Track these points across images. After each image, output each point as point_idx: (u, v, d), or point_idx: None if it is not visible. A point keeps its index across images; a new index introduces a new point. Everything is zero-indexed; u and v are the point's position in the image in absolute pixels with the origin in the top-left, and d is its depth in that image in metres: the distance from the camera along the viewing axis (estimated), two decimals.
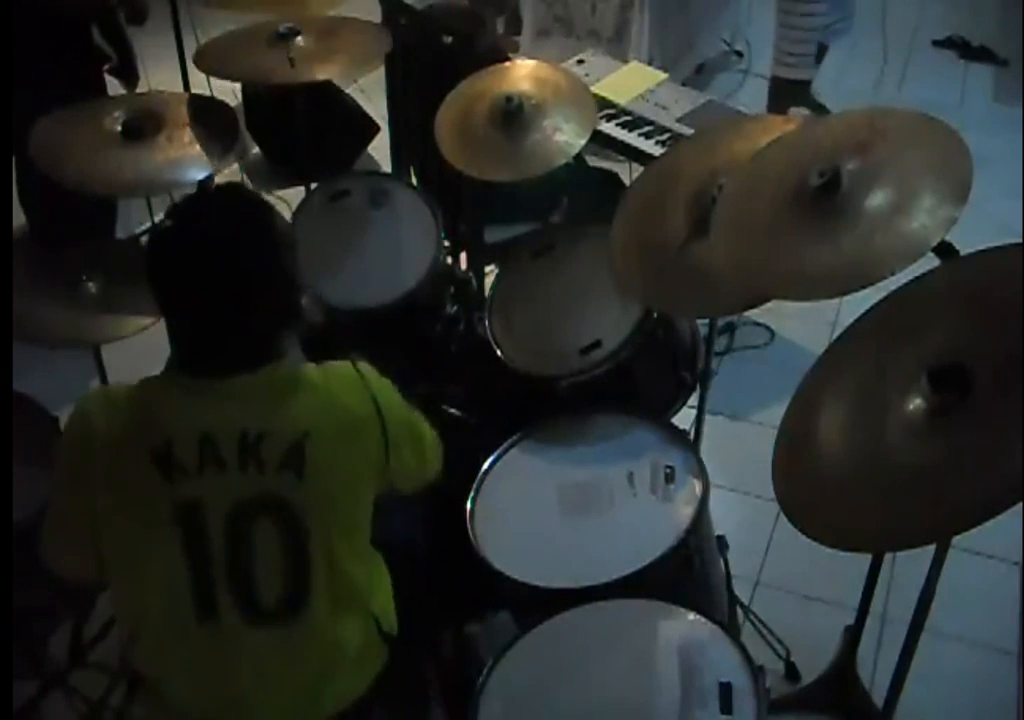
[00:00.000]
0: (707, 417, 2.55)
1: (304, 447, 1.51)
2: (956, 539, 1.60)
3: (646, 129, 2.99)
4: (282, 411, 1.53)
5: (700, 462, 2.10)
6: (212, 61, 2.73)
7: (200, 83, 2.84)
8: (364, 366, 1.65)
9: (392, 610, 1.76)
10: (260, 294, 1.53)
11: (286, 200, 3.82)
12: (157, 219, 1.73)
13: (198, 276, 1.50)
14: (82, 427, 1.54)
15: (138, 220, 3.58)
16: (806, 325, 3.42)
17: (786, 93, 4.17)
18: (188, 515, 1.51)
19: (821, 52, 4.23)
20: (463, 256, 3.24)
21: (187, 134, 2.62)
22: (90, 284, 2.38)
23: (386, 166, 3.93)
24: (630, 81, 3.15)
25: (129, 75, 3.27)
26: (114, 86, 3.29)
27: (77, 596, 2.33)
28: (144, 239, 2.72)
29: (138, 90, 3.28)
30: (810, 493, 1.63)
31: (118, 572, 1.59)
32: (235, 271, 1.50)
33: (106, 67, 3.21)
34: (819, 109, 4.23)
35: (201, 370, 1.54)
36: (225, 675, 1.59)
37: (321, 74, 2.66)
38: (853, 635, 2.37)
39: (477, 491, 2.14)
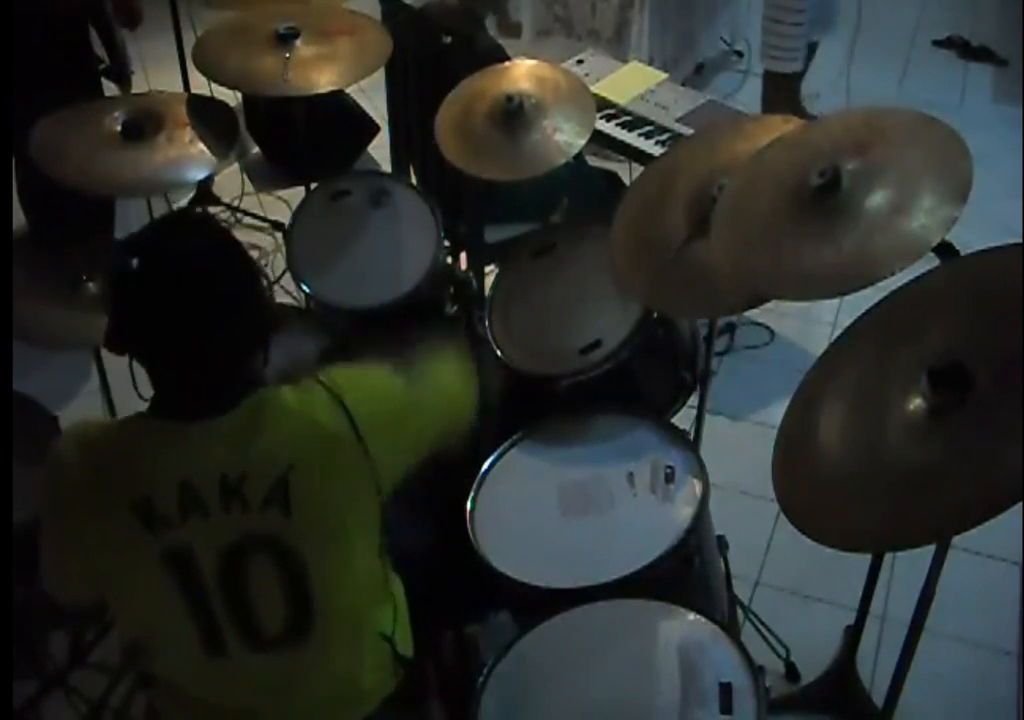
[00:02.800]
0: (707, 417, 2.55)
1: (288, 481, 1.46)
2: (956, 539, 1.61)
3: (646, 129, 2.98)
4: (260, 447, 1.47)
5: (700, 462, 2.10)
6: (210, 63, 2.72)
7: (200, 83, 2.84)
8: (334, 376, 1.55)
9: (408, 634, 1.75)
10: (235, 323, 1.47)
11: (286, 200, 3.83)
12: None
13: (173, 312, 1.42)
14: (57, 469, 1.50)
15: (137, 220, 3.58)
16: (806, 325, 3.42)
17: (777, 86, 4.18)
18: (178, 562, 1.48)
19: (811, 49, 4.24)
20: (463, 256, 3.25)
21: (187, 134, 2.62)
22: (90, 284, 2.38)
23: (386, 166, 3.93)
24: (630, 81, 3.15)
25: (120, 77, 3.27)
26: (110, 88, 3.29)
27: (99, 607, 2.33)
28: None
29: (138, 90, 3.28)
30: (810, 493, 1.64)
31: (118, 609, 1.58)
32: (212, 301, 1.44)
33: (99, 68, 3.21)
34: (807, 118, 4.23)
35: (177, 412, 1.48)
36: (240, 703, 1.60)
37: (319, 86, 2.66)
38: (853, 635, 2.37)
39: (477, 491, 2.14)
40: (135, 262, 1.42)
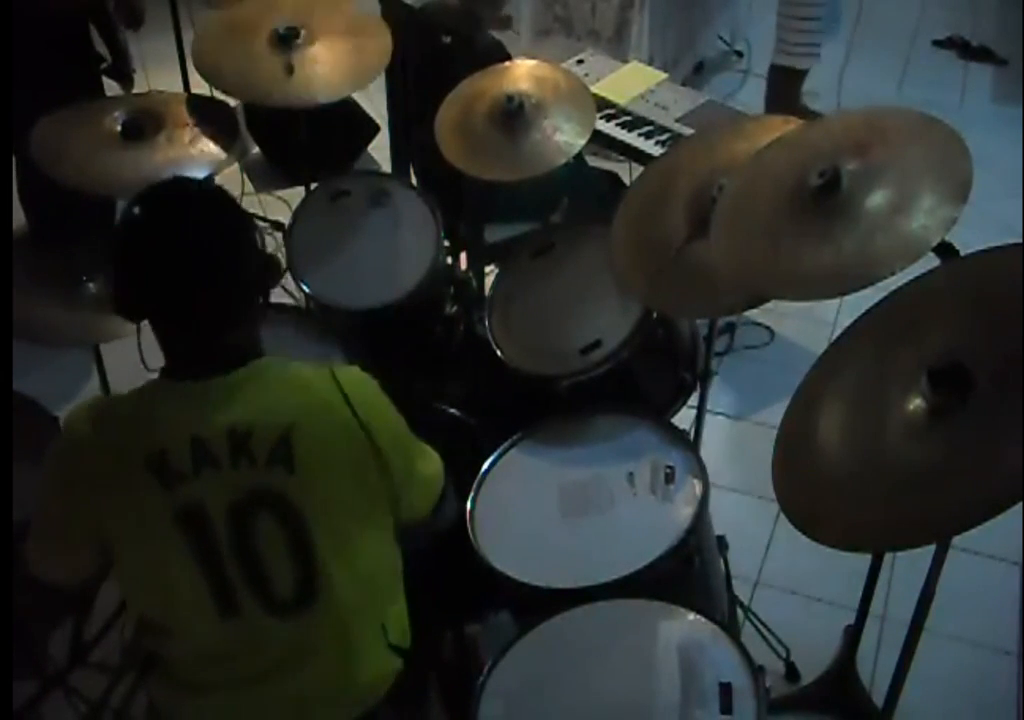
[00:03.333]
0: (707, 417, 2.55)
1: (290, 440, 1.51)
2: (956, 539, 1.60)
3: (646, 129, 2.99)
4: (265, 404, 1.53)
5: (700, 462, 2.10)
6: (211, 70, 2.71)
7: (200, 83, 2.83)
8: (340, 369, 1.61)
9: (406, 623, 1.76)
10: (233, 274, 1.52)
11: (286, 200, 3.83)
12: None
13: (176, 264, 1.48)
14: (71, 440, 1.54)
15: None
16: (806, 325, 3.42)
17: (785, 82, 4.19)
18: (190, 519, 1.51)
19: None
20: (463, 256, 3.24)
21: (187, 134, 2.62)
22: (90, 284, 2.38)
23: (386, 166, 3.93)
24: (630, 81, 3.15)
25: (123, 76, 3.27)
26: (111, 87, 3.29)
27: (77, 596, 2.33)
28: None
29: (138, 90, 3.28)
30: (810, 493, 1.64)
31: (131, 574, 1.60)
32: (213, 253, 1.50)
33: (101, 67, 3.21)
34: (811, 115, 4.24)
35: (186, 372, 1.53)
36: (252, 665, 1.61)
37: (321, 96, 2.65)
38: (853, 635, 2.37)
39: (477, 491, 2.14)
40: (136, 210, 1.50)
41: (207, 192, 1.60)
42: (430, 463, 1.75)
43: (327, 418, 1.55)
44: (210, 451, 1.50)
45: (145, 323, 1.56)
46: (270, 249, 3.68)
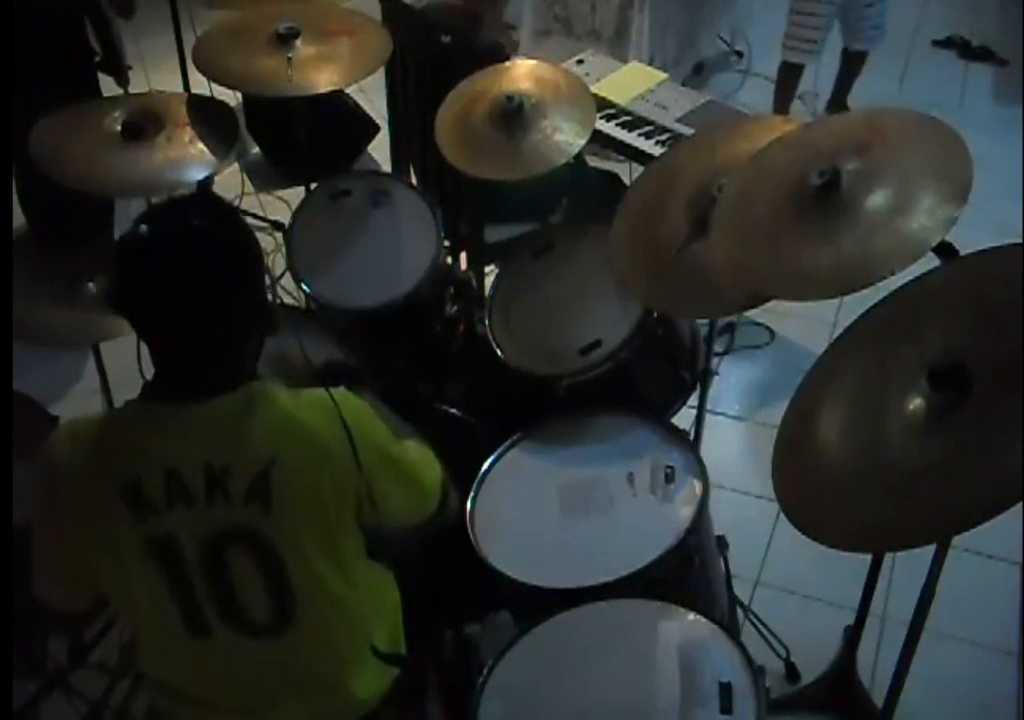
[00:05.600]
0: (707, 417, 2.55)
1: (270, 476, 1.47)
2: (956, 539, 1.60)
3: (646, 129, 2.98)
4: (246, 439, 1.48)
5: (700, 462, 2.10)
6: (211, 64, 2.72)
7: (200, 83, 2.83)
8: (341, 394, 1.56)
9: (398, 630, 1.75)
10: (237, 298, 1.48)
11: (286, 200, 3.83)
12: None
13: (176, 280, 1.44)
14: (49, 465, 1.51)
15: None
16: (806, 325, 3.42)
17: (862, 63, 4.31)
18: (162, 550, 1.49)
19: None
20: (463, 256, 3.24)
21: (187, 134, 2.62)
22: (90, 284, 2.38)
23: (386, 166, 3.93)
24: (630, 81, 3.15)
25: (116, 70, 3.27)
26: (109, 87, 3.29)
27: (94, 608, 2.33)
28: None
29: (138, 90, 3.28)
30: (810, 493, 1.64)
31: (110, 594, 1.60)
32: (214, 274, 1.46)
33: (94, 60, 3.21)
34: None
35: (171, 393, 1.49)
36: (226, 683, 1.61)
37: (319, 86, 2.65)
38: (853, 635, 2.37)
39: (477, 491, 2.14)
40: (143, 229, 1.45)
41: (225, 218, 1.54)
42: (428, 471, 1.70)
43: (310, 450, 1.50)
44: (185, 485, 1.47)
45: None
46: (270, 249, 3.69)
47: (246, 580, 1.52)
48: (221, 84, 2.77)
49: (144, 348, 1.51)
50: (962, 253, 1.78)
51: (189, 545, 1.49)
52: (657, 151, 2.90)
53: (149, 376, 1.53)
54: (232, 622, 1.55)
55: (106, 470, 1.48)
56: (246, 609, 1.54)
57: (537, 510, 2.10)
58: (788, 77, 4.28)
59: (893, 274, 1.72)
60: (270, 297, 1.57)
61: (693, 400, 2.47)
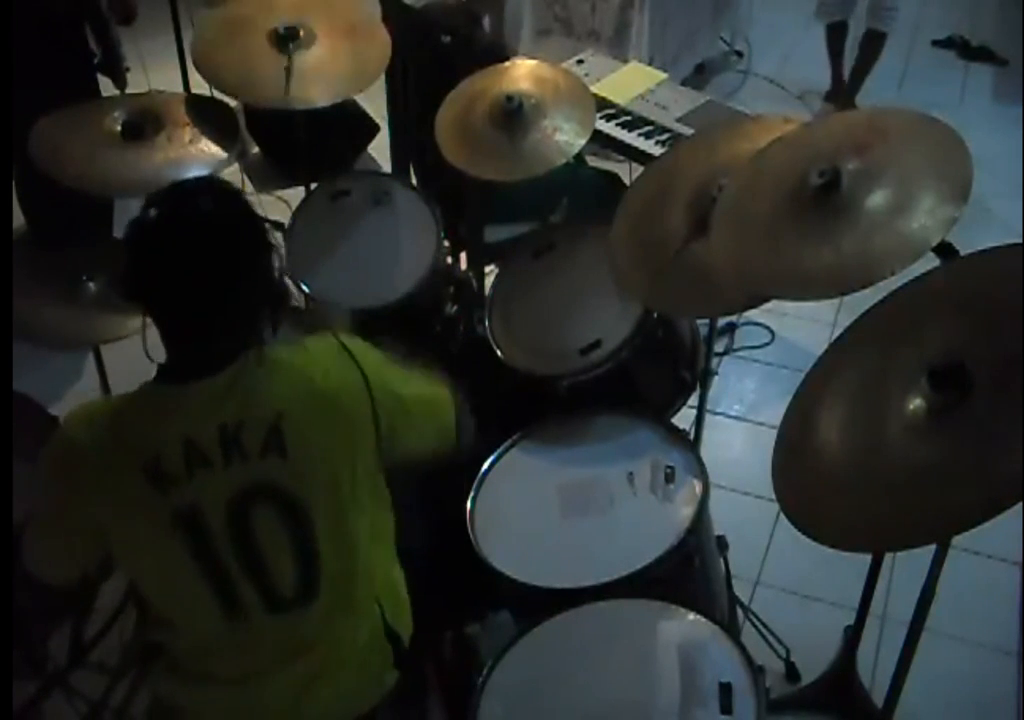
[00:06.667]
0: (707, 417, 2.55)
1: (281, 427, 1.51)
2: (956, 539, 1.60)
3: (646, 129, 2.98)
4: (254, 397, 1.52)
5: (700, 462, 2.10)
6: (211, 71, 2.70)
7: (200, 83, 2.83)
8: (349, 338, 1.62)
9: (405, 612, 1.76)
10: (246, 278, 1.51)
11: (286, 200, 3.83)
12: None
13: (186, 261, 1.46)
14: (68, 446, 1.53)
15: None
16: (806, 325, 3.42)
17: (879, 46, 4.45)
18: (188, 521, 1.51)
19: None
20: (463, 256, 3.24)
21: (187, 134, 2.62)
22: (90, 284, 2.38)
23: (386, 166, 3.93)
24: (630, 81, 3.15)
25: (115, 72, 3.27)
26: (110, 87, 3.29)
27: (77, 596, 2.33)
28: None
29: (138, 90, 3.28)
30: (810, 493, 1.63)
31: (135, 575, 1.61)
32: (223, 254, 1.48)
33: (93, 62, 3.21)
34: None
35: (182, 374, 1.52)
36: (254, 660, 1.62)
37: (321, 100, 2.64)
38: (853, 635, 2.37)
39: (477, 491, 2.14)
40: (151, 212, 1.47)
41: (233, 201, 1.56)
42: (442, 405, 1.76)
43: (318, 402, 1.54)
44: (202, 451, 1.50)
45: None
46: None
47: (273, 544, 1.54)
48: (222, 92, 2.77)
49: (151, 335, 1.52)
50: (962, 253, 1.78)
51: (214, 512, 1.51)
52: (657, 151, 2.89)
53: (156, 360, 1.54)
54: (261, 592, 1.56)
55: (126, 449, 1.50)
56: (276, 581, 1.56)
57: (537, 510, 2.09)
58: (832, 37, 4.52)
59: (893, 274, 1.72)
60: (279, 275, 1.59)
61: (693, 400, 2.47)
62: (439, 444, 1.75)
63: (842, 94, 4.60)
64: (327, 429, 1.54)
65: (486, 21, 3.73)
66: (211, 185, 1.60)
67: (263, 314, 1.57)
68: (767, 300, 1.97)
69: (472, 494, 2.13)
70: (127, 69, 3.38)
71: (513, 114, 2.48)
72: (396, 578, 1.77)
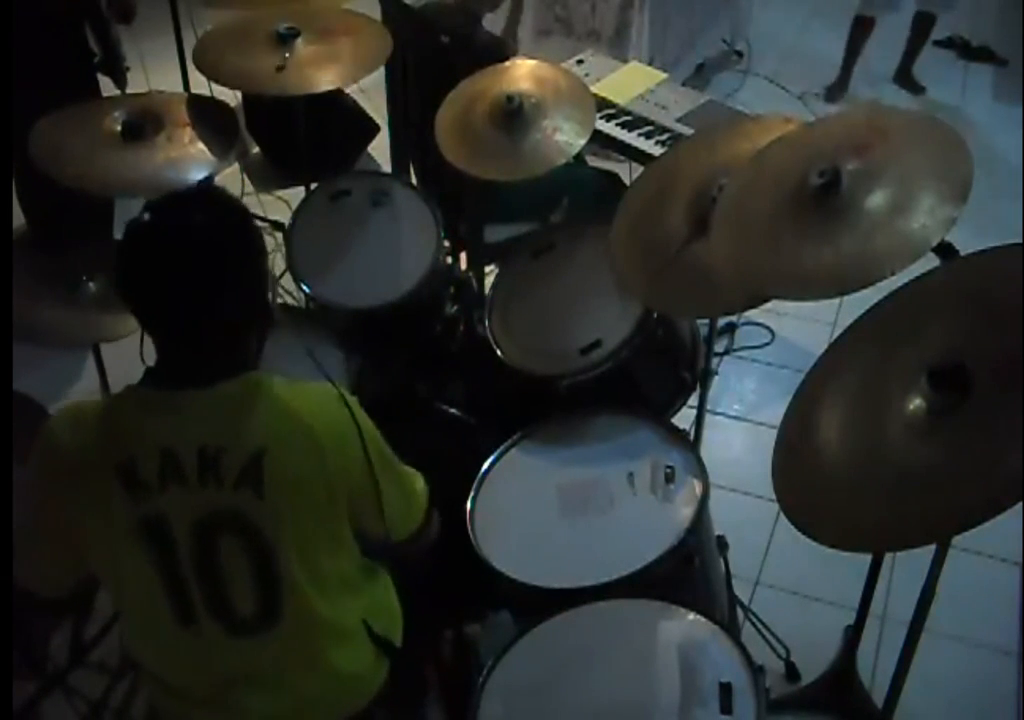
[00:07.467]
0: (707, 417, 2.55)
1: (261, 464, 1.48)
2: (956, 539, 1.60)
3: (646, 129, 2.98)
4: (240, 426, 1.49)
5: (700, 462, 2.10)
6: (210, 63, 2.72)
7: (200, 83, 2.84)
8: (345, 391, 1.59)
9: (397, 624, 1.75)
10: (235, 294, 1.50)
11: (286, 200, 3.83)
12: None
13: (176, 271, 1.45)
14: (48, 443, 1.52)
15: None
16: (806, 325, 3.42)
17: (927, 28, 4.60)
18: (154, 530, 1.50)
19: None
20: (463, 256, 3.24)
21: (187, 134, 2.62)
22: (90, 284, 2.38)
23: (386, 166, 3.93)
24: (630, 81, 3.15)
25: (115, 71, 3.27)
26: (110, 87, 3.29)
27: (77, 596, 2.33)
28: None
29: (138, 90, 3.28)
30: (810, 493, 1.63)
31: (102, 578, 1.60)
32: (214, 267, 1.47)
33: (93, 61, 3.21)
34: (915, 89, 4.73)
35: (170, 380, 1.50)
36: (213, 675, 1.61)
37: (319, 85, 2.66)
38: (853, 635, 2.37)
39: (477, 491, 2.14)
40: (147, 219, 1.47)
41: (231, 212, 1.55)
42: (418, 481, 1.74)
43: (303, 443, 1.50)
44: (179, 465, 1.48)
45: None
46: (270, 248, 3.69)
47: (235, 568, 1.53)
48: (220, 83, 2.77)
49: (148, 339, 1.52)
50: (962, 253, 1.78)
51: (181, 526, 1.50)
52: (657, 151, 2.89)
53: (150, 363, 1.53)
54: (218, 612, 1.55)
55: (104, 451, 1.49)
56: (232, 601, 1.54)
57: (537, 510, 2.09)
58: (856, 31, 4.58)
59: (893, 274, 1.72)
60: (270, 294, 1.58)
61: (693, 400, 2.47)
62: (411, 514, 1.71)
63: (845, 90, 4.60)
64: (306, 472, 1.51)
65: (487, 19, 3.73)
66: (210, 196, 1.59)
67: (250, 332, 1.55)
68: (767, 300, 1.97)
69: (472, 494, 2.13)
70: (127, 69, 3.38)
71: (513, 114, 2.48)
72: (381, 594, 1.75)
